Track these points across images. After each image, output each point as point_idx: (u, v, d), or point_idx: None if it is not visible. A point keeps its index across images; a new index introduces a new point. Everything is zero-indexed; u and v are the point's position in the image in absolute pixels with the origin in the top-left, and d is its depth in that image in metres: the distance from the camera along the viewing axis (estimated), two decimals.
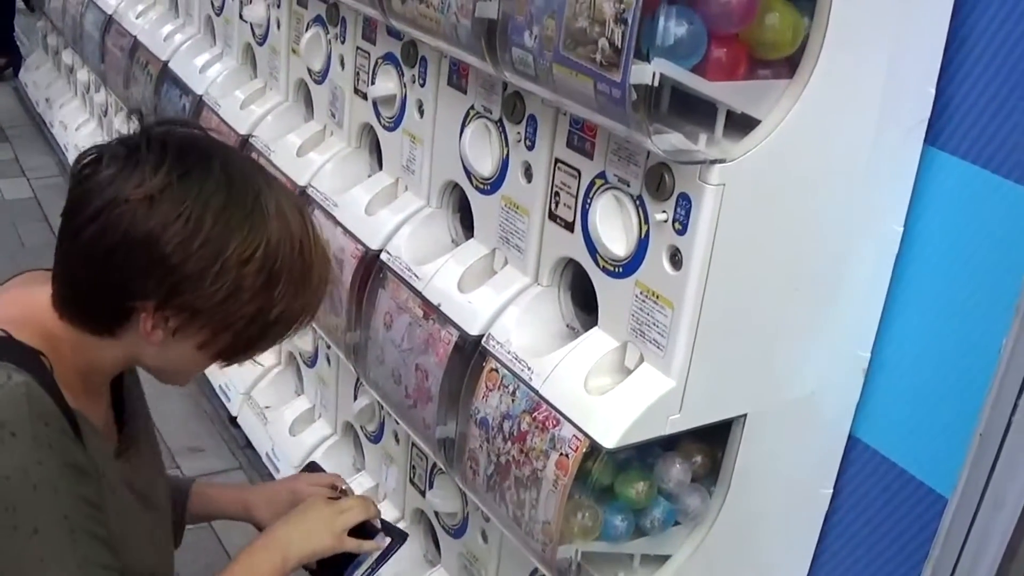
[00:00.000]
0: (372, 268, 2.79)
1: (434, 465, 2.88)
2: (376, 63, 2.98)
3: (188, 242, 1.62)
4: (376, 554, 2.17)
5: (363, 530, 2.16)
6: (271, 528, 2.10)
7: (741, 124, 1.98)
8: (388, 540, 2.19)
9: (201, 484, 2.33)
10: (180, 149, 1.67)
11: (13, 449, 1.58)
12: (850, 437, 2.41)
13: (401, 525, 3.02)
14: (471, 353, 2.40)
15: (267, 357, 4.05)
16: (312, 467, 2.44)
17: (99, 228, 1.62)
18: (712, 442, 2.31)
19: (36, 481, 1.60)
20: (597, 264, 2.21)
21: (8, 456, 1.58)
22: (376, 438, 3.30)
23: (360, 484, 3.34)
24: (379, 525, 2.21)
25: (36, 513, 1.60)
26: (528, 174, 2.38)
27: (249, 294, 1.68)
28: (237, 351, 1.80)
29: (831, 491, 2.47)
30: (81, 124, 6.31)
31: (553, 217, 2.33)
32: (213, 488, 2.36)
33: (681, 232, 2.00)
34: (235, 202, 1.66)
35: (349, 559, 2.16)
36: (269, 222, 1.68)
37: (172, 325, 1.70)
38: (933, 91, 2.13)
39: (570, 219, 2.27)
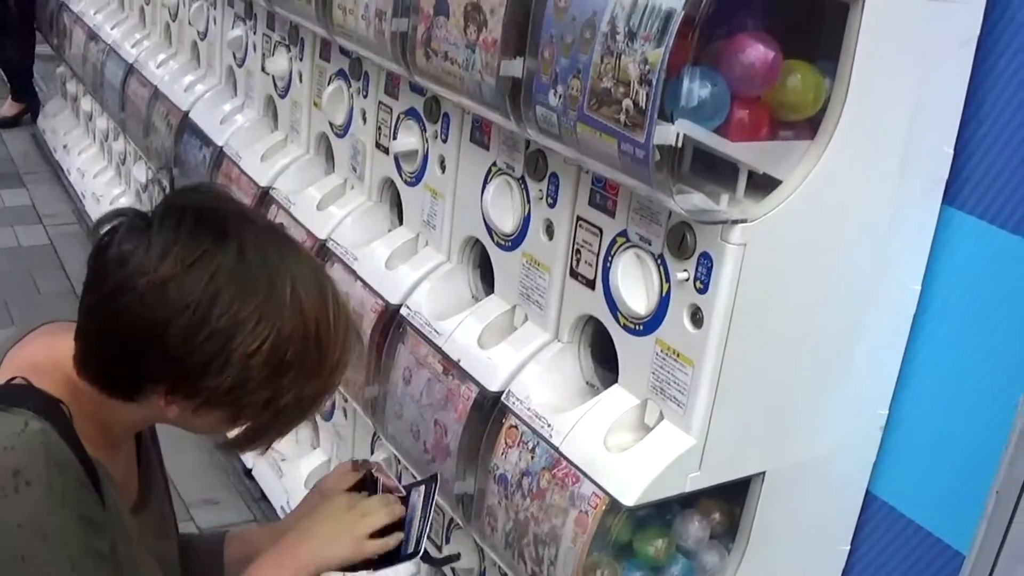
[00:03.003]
0: (392, 323, 2.80)
1: (451, 520, 2.88)
2: (398, 118, 3.00)
3: (193, 334, 1.60)
4: (419, 511, 2.10)
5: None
6: (285, 538, 2.03)
7: (763, 184, 2.00)
8: (423, 492, 2.13)
9: (234, 531, 2.31)
10: (194, 229, 1.64)
11: (27, 498, 1.57)
12: (867, 494, 2.42)
13: None
14: (491, 409, 2.41)
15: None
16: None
17: (112, 311, 1.62)
18: (730, 499, 2.31)
19: (47, 532, 1.58)
20: (618, 321, 2.23)
21: (22, 505, 1.57)
22: None
23: None
24: (404, 492, 2.13)
25: (45, 564, 1.59)
26: (550, 231, 2.40)
27: (256, 384, 1.66)
28: (257, 434, 1.80)
29: (848, 548, 2.46)
30: (99, 172, 6.33)
31: (574, 274, 2.34)
32: (248, 530, 2.34)
33: (702, 291, 2.01)
34: (246, 291, 1.63)
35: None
36: (282, 311, 1.65)
37: (186, 405, 1.70)
38: (951, 151, 2.14)
39: (591, 276, 2.29)
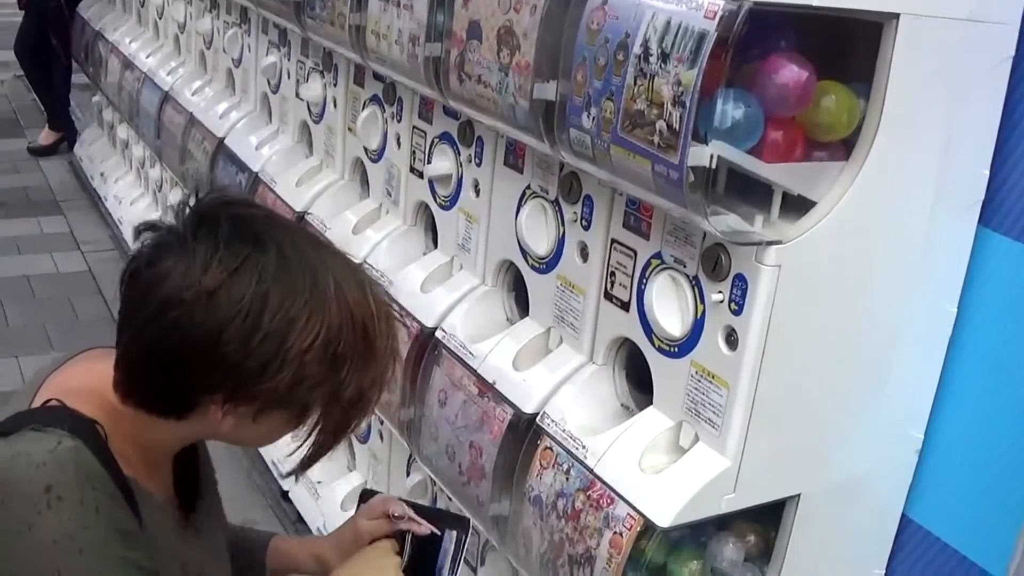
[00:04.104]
0: (427, 345, 2.80)
1: (486, 542, 2.88)
2: (432, 142, 3.01)
3: (248, 339, 1.60)
4: (450, 556, 2.11)
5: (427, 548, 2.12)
6: None
7: (797, 205, 2.00)
8: (455, 537, 2.13)
9: (278, 539, 2.30)
10: (231, 237, 1.64)
11: (60, 513, 1.57)
12: (903, 517, 2.41)
13: None
14: (526, 431, 2.41)
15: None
16: (366, 495, 2.35)
17: (159, 330, 1.62)
18: (765, 522, 2.30)
19: (82, 546, 1.58)
20: (652, 344, 2.23)
21: (55, 520, 1.57)
22: None
23: None
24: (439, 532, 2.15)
25: None
26: (584, 254, 2.40)
27: (315, 380, 1.66)
28: (330, 434, 1.79)
29: (883, 572, 2.46)
30: (136, 199, 6.39)
31: (609, 297, 2.35)
32: (287, 542, 2.33)
33: (737, 312, 2.01)
34: (293, 290, 1.63)
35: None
36: (328, 306, 1.66)
37: (245, 412, 1.69)
38: (987, 173, 2.14)
39: (626, 299, 2.29)
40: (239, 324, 1.60)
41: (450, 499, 2.90)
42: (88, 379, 1.77)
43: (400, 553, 2.05)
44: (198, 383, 1.65)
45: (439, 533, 2.09)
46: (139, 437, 1.75)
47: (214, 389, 1.65)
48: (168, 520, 1.85)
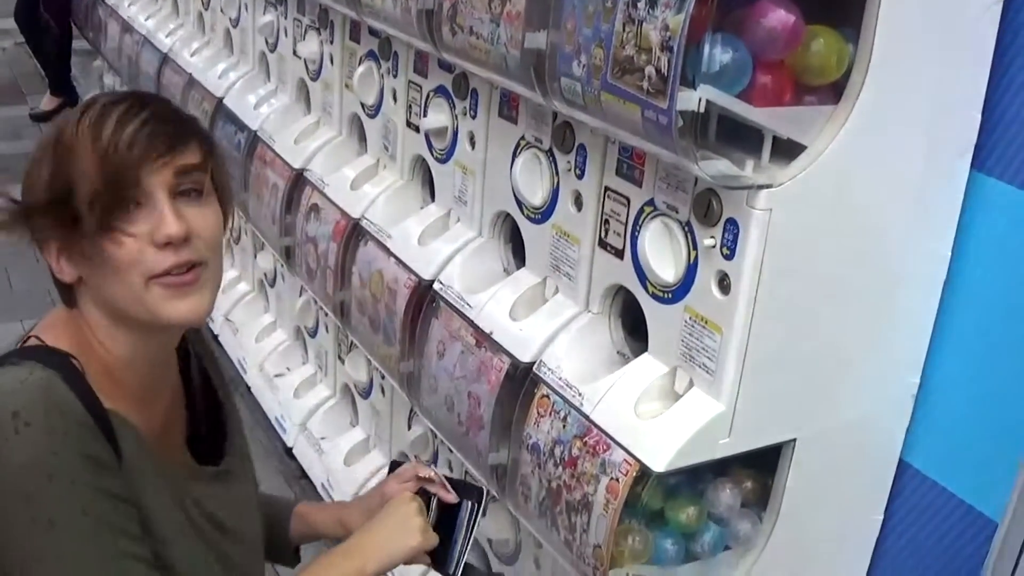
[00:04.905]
0: (425, 298, 2.82)
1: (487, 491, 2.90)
2: (428, 96, 3.02)
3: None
4: (464, 526, 2.16)
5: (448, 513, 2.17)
6: (355, 534, 2.08)
7: (788, 150, 2.00)
8: (469, 507, 2.18)
9: (303, 505, 2.32)
10: None
11: (26, 439, 1.58)
12: (900, 462, 2.42)
13: None
14: (522, 380, 2.42)
15: (322, 389, 4.08)
16: (395, 465, 2.38)
17: None
18: (762, 467, 2.31)
19: (51, 471, 1.58)
20: (646, 290, 2.24)
21: (22, 445, 1.57)
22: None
23: None
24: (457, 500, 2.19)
25: (52, 505, 1.59)
26: (578, 203, 2.41)
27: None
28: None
29: (882, 516, 2.47)
30: None
31: (603, 245, 2.36)
32: (312, 508, 2.35)
33: (729, 257, 2.02)
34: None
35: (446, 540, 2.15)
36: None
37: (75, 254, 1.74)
38: (979, 116, 2.14)
39: (620, 246, 2.30)
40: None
41: (451, 451, 2.92)
42: (60, 318, 1.80)
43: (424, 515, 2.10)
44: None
45: (458, 500, 2.15)
46: (108, 361, 1.77)
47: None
48: (164, 458, 1.85)
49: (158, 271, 1.71)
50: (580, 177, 2.39)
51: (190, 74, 5.03)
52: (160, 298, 1.73)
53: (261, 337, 4.56)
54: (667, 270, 2.16)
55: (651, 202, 2.19)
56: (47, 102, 8.31)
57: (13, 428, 1.58)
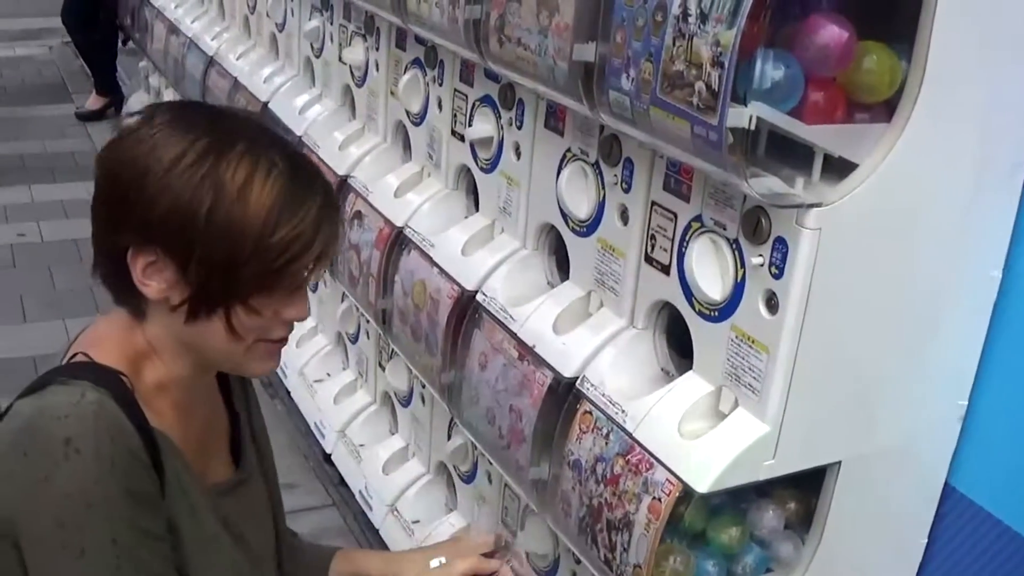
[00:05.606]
0: (468, 309, 2.80)
1: (526, 506, 2.88)
2: (474, 105, 3.00)
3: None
4: None
5: None
6: None
7: (838, 168, 1.97)
8: None
9: (346, 549, 2.36)
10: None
11: (75, 466, 1.59)
12: (946, 486, 2.38)
13: None
14: (565, 395, 2.40)
15: (363, 396, 4.08)
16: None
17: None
18: (806, 489, 2.29)
19: (91, 501, 1.60)
20: (693, 308, 2.21)
21: (70, 472, 1.59)
22: (469, 478, 3.30)
23: (451, 524, 3.34)
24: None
25: (85, 534, 1.60)
26: (624, 217, 2.39)
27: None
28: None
29: (926, 540, 2.43)
30: None
31: (649, 260, 2.33)
32: (359, 552, 2.38)
33: (777, 276, 1.99)
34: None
35: None
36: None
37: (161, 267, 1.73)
38: None
39: (666, 262, 2.28)
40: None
41: (491, 463, 2.91)
42: (110, 330, 1.80)
43: None
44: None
45: None
46: (159, 376, 1.77)
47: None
48: (208, 475, 1.86)
49: (273, 340, 1.78)
50: (627, 191, 2.37)
51: (235, 77, 5.04)
52: (259, 357, 1.82)
53: (302, 342, 4.55)
54: (714, 288, 2.13)
55: (699, 218, 2.17)
56: (93, 101, 8.36)
57: (64, 454, 1.59)
